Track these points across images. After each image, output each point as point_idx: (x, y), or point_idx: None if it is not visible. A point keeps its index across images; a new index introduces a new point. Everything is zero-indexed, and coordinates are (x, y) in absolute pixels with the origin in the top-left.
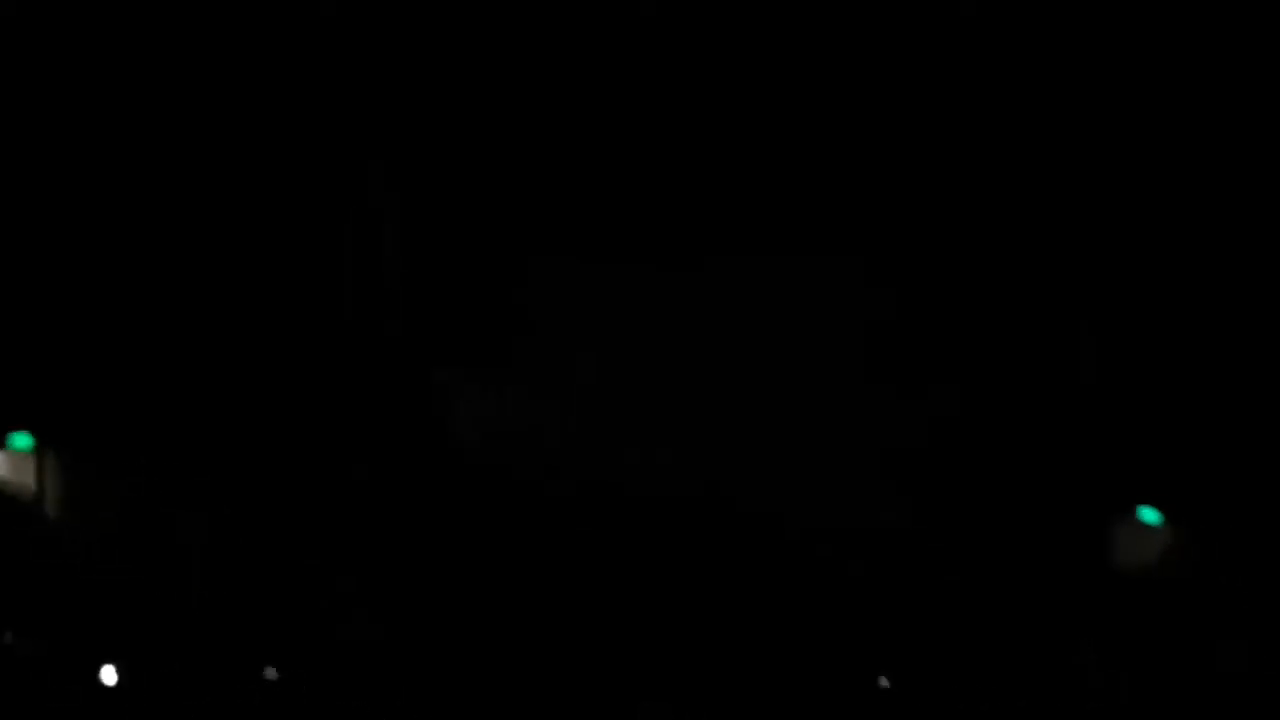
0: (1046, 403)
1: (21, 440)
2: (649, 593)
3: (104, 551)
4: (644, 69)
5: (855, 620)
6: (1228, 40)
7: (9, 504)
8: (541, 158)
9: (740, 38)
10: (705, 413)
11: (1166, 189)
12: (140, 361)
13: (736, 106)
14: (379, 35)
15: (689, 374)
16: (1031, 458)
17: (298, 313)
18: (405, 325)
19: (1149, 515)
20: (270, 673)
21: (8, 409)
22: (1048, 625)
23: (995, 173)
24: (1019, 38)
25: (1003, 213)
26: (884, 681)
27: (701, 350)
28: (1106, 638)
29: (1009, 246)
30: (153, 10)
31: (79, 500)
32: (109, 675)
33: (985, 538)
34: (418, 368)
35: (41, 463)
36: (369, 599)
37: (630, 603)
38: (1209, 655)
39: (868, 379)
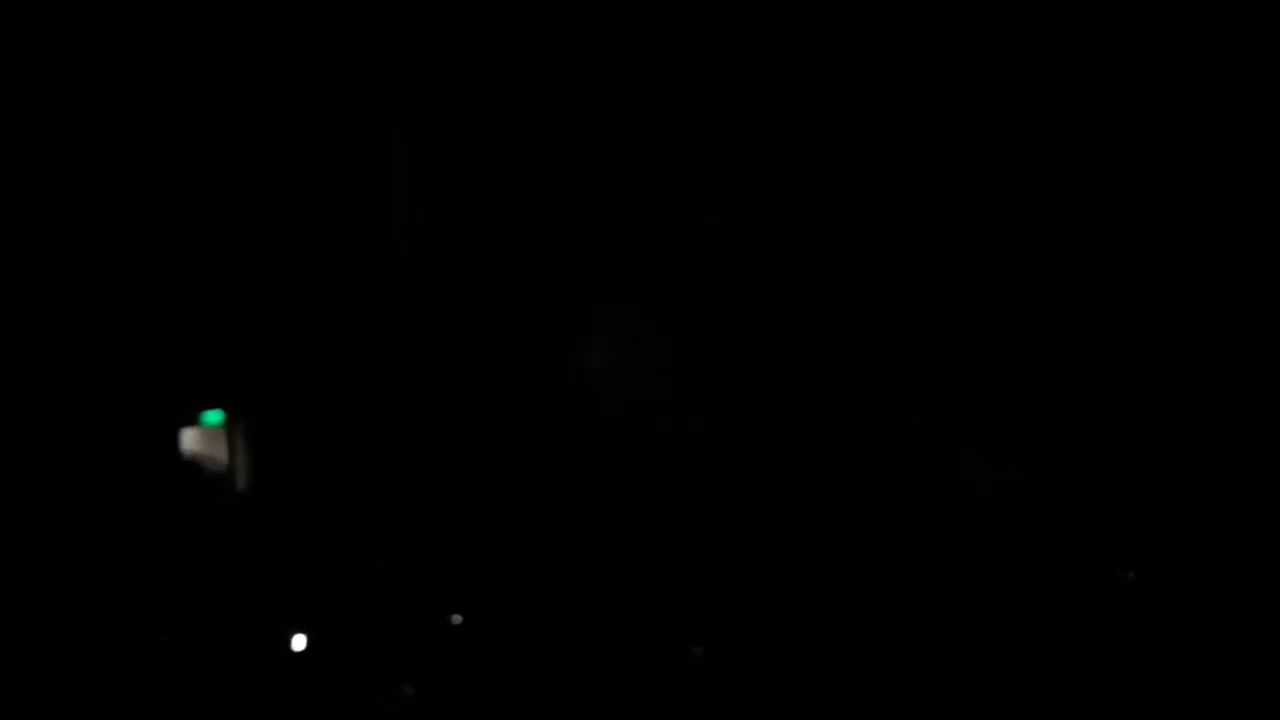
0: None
1: (214, 417)
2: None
3: (289, 517)
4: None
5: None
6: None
7: (203, 476)
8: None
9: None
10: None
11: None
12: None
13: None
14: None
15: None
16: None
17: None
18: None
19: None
20: (456, 619)
21: (197, 388)
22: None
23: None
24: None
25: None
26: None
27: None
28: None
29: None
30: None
31: (265, 470)
32: (299, 642)
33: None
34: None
35: (231, 436)
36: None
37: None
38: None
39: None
